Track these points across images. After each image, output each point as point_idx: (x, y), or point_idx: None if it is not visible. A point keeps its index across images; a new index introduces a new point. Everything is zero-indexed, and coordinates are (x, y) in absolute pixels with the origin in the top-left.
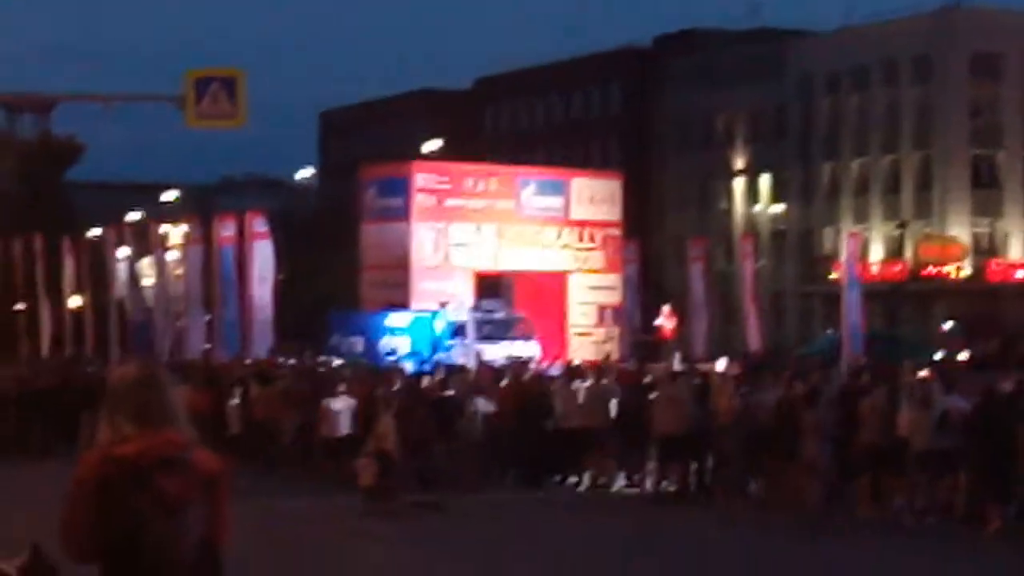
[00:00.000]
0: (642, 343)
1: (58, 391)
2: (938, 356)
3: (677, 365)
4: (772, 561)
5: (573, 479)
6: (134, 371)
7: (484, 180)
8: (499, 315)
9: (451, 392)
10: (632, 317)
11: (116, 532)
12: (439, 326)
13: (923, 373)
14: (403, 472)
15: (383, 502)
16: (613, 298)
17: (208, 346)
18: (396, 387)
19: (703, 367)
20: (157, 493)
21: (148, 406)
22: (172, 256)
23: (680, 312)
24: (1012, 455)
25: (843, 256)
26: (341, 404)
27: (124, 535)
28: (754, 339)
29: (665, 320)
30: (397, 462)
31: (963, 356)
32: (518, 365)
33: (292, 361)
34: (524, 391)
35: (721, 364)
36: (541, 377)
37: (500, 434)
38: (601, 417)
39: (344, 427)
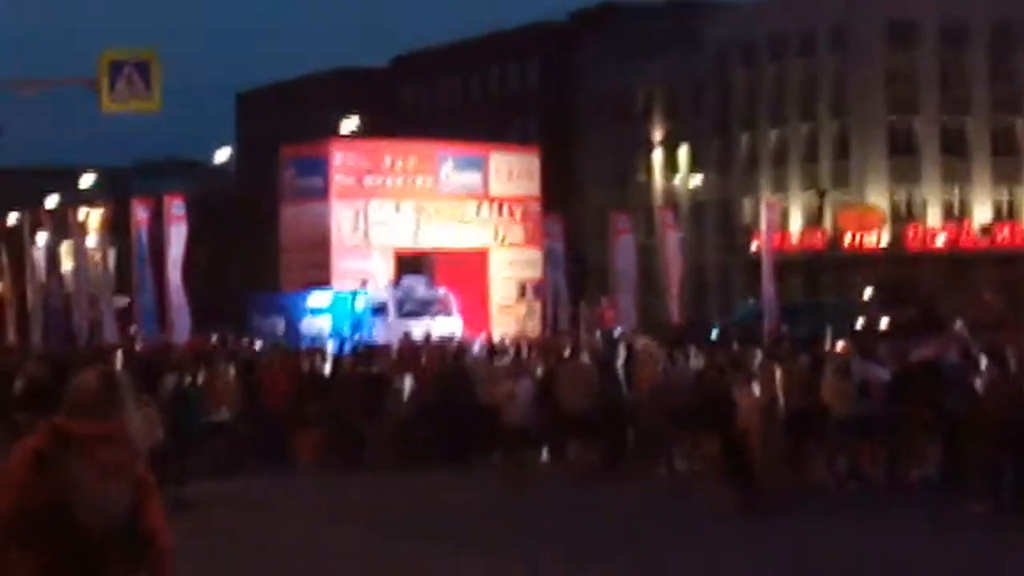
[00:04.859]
0: (572, 317)
1: None
2: (858, 324)
3: (597, 339)
4: (690, 531)
5: (497, 454)
6: (94, 382)
7: (402, 158)
8: (420, 292)
9: (375, 370)
10: (556, 291)
11: (48, 495)
12: (360, 305)
13: (842, 341)
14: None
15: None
16: (534, 273)
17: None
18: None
19: (628, 340)
20: (92, 459)
21: (105, 416)
22: (91, 241)
23: (605, 287)
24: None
25: (762, 226)
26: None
27: (55, 498)
28: (676, 311)
29: (604, 313)
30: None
31: (883, 323)
32: (440, 342)
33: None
34: (446, 368)
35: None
36: (462, 353)
37: (424, 411)
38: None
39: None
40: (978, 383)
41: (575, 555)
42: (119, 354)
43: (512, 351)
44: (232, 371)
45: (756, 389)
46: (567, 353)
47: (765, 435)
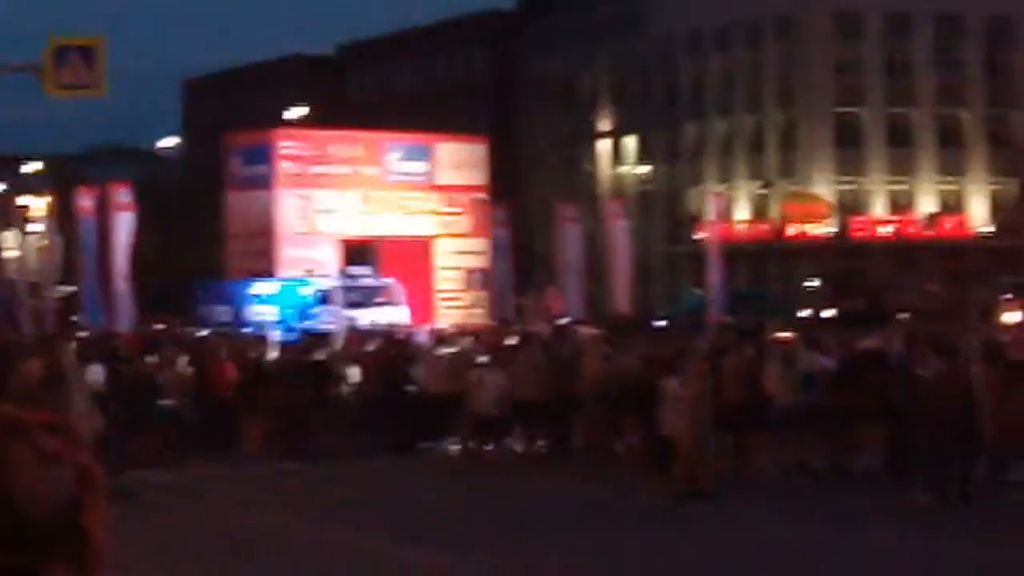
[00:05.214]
0: (518, 307)
1: None
2: (803, 314)
3: (544, 329)
4: (631, 521)
5: (442, 444)
6: (39, 371)
7: (348, 146)
8: (366, 281)
9: (321, 359)
10: (503, 280)
11: None
12: (306, 293)
13: (787, 332)
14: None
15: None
16: (480, 262)
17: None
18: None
19: (574, 330)
20: (34, 446)
21: (49, 404)
22: (35, 229)
23: (551, 276)
24: (873, 412)
25: (708, 216)
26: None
27: None
28: (622, 301)
29: (551, 303)
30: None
31: (830, 313)
32: (386, 331)
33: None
34: (392, 357)
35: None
36: (409, 342)
37: (369, 400)
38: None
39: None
40: (923, 373)
41: (510, 543)
42: (64, 343)
43: (461, 341)
44: (182, 359)
45: (682, 381)
46: (516, 342)
47: (692, 427)
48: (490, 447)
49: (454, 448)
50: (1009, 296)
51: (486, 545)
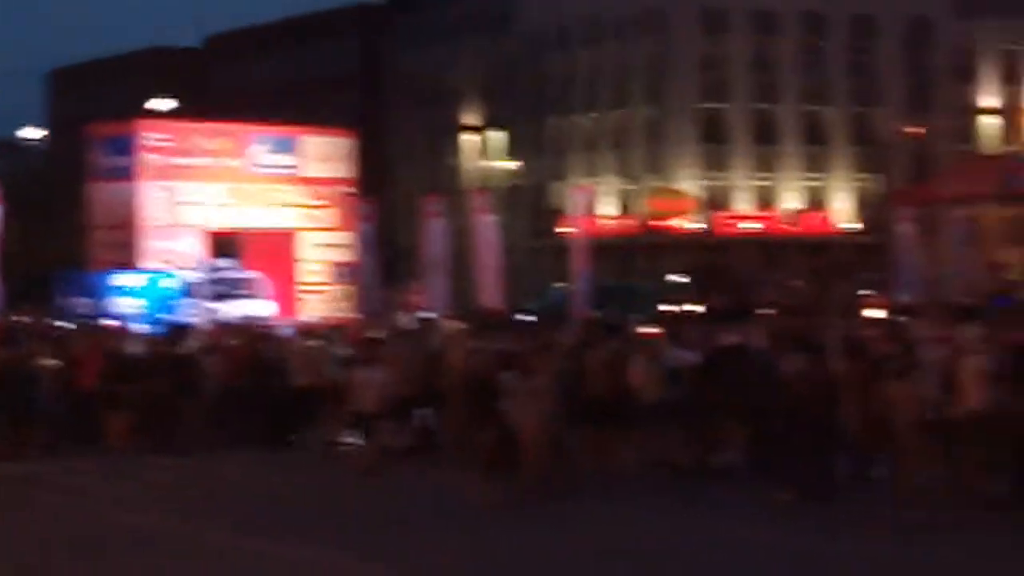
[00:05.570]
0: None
1: None
2: (667, 308)
3: (410, 323)
4: (489, 515)
5: (309, 437)
6: None
7: (213, 138)
8: (231, 274)
9: (185, 352)
10: (368, 275)
11: None
12: (170, 285)
13: (652, 327)
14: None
15: None
16: (346, 255)
17: None
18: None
19: (439, 324)
20: None
21: None
22: None
23: (417, 270)
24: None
25: (574, 210)
26: None
27: None
28: (488, 295)
29: (416, 297)
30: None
31: (696, 308)
32: (250, 323)
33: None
34: (256, 350)
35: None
36: (273, 335)
37: (234, 394)
38: (329, 374)
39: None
40: (785, 369)
41: (364, 540)
42: None
43: (327, 334)
44: (49, 352)
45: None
46: (384, 337)
47: (537, 422)
48: (365, 442)
49: (327, 442)
50: (872, 292)
51: (363, 541)
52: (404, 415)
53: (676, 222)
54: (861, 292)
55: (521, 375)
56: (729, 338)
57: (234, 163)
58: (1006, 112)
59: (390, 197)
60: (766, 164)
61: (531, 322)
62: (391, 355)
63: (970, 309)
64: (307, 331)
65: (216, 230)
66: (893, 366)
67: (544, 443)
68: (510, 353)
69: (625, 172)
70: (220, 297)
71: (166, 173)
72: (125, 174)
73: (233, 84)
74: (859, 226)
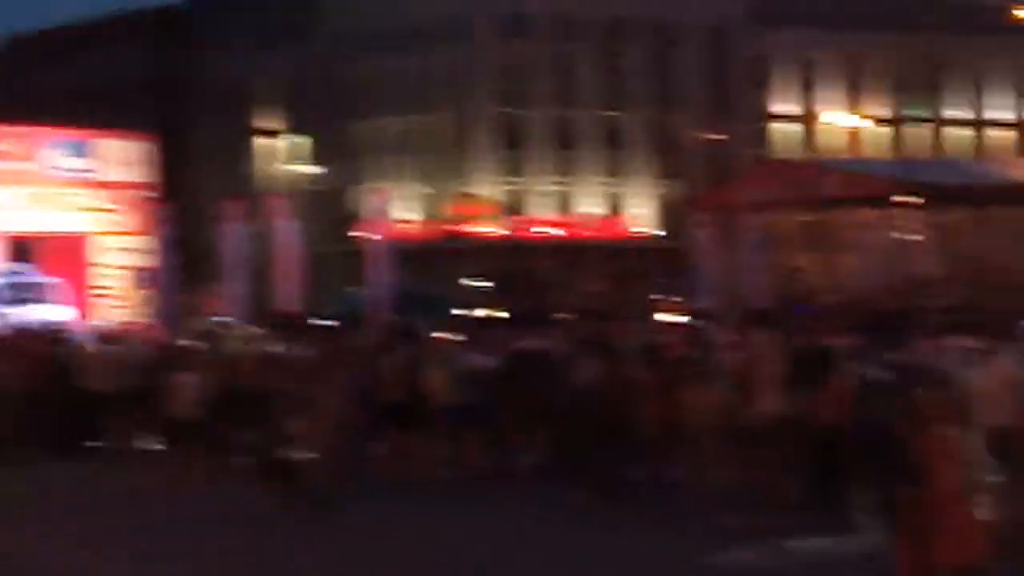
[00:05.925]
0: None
1: None
2: (467, 313)
3: (208, 327)
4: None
5: (99, 441)
6: None
7: (5, 141)
8: (26, 279)
9: None
10: (167, 279)
11: None
12: None
13: (451, 331)
14: None
15: None
16: (145, 260)
17: None
18: None
19: (236, 328)
20: None
21: None
22: None
23: (216, 275)
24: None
25: (373, 215)
26: None
27: None
28: (288, 299)
29: (212, 302)
30: None
31: (494, 313)
32: (48, 328)
33: None
34: (54, 355)
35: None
36: (71, 340)
37: (31, 398)
38: (127, 380)
39: None
40: (583, 373)
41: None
42: None
43: (125, 339)
44: None
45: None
46: (187, 343)
47: (319, 430)
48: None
49: (125, 448)
50: (670, 297)
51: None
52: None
53: (477, 227)
54: (659, 297)
55: (309, 382)
56: (528, 343)
57: (28, 166)
58: (803, 119)
59: (190, 201)
60: (566, 169)
61: (328, 327)
62: (199, 360)
63: (765, 314)
64: (105, 336)
65: (9, 234)
66: (690, 370)
67: (328, 451)
68: (300, 359)
69: (427, 177)
70: (18, 302)
71: None
72: None
73: (32, 86)
74: (658, 231)
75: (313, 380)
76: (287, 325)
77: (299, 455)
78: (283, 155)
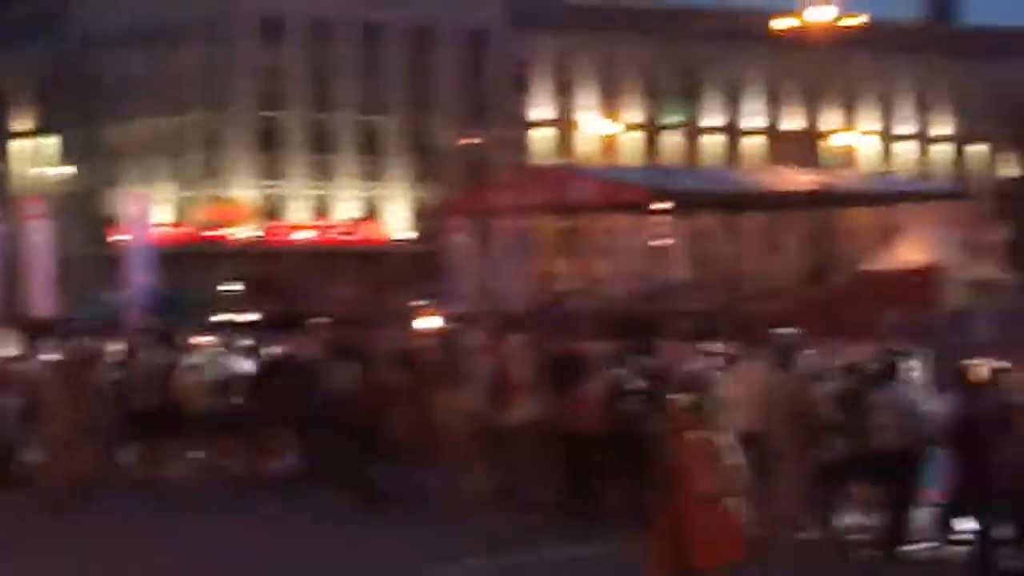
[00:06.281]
0: None
1: None
2: (221, 318)
3: None
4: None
5: None
6: None
7: None
8: None
9: None
10: None
11: None
12: None
13: (205, 335)
14: None
15: None
16: None
17: None
18: None
19: None
20: None
21: None
22: None
23: None
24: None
25: (128, 218)
26: None
27: None
28: (41, 303)
29: None
30: None
31: (248, 317)
32: None
33: None
34: None
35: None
36: None
37: None
38: None
39: None
40: (337, 378)
41: None
42: None
43: None
44: None
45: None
46: None
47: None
48: None
49: None
50: (426, 302)
51: None
52: None
53: (231, 231)
54: (415, 302)
55: (60, 387)
56: (282, 348)
57: None
58: (559, 124)
59: None
60: (323, 173)
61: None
62: None
63: (520, 319)
64: None
65: None
66: (443, 375)
67: (67, 454)
68: (55, 363)
69: (181, 179)
70: None
71: None
72: None
73: None
74: (414, 236)
75: (56, 384)
76: (39, 329)
77: (34, 458)
78: (34, 156)
